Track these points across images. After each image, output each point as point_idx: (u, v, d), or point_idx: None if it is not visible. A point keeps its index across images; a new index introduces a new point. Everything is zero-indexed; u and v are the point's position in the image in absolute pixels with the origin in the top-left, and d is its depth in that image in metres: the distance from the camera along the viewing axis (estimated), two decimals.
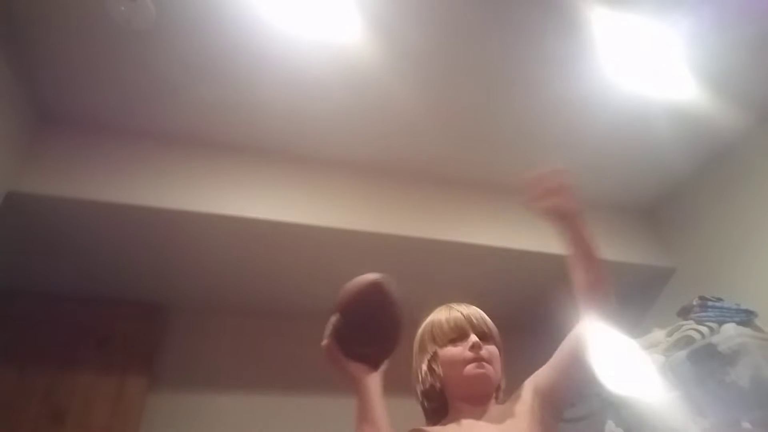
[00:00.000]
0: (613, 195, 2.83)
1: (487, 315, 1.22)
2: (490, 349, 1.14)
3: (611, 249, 2.71)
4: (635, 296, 2.85)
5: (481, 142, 2.46)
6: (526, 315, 2.72)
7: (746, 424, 1.80)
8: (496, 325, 1.21)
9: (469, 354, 1.11)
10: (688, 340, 2.11)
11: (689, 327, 2.13)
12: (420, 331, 1.24)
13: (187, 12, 1.82)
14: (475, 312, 1.20)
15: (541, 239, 2.60)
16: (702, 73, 2.15)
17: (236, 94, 2.13)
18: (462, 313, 1.18)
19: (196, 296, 2.67)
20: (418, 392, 1.19)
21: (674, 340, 2.17)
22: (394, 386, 1.08)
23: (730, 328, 2.01)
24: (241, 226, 2.22)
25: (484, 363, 1.11)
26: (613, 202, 2.87)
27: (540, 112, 2.31)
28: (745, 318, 2.12)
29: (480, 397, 1.12)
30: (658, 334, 2.28)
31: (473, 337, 1.13)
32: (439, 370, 1.14)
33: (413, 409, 1.19)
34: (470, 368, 1.11)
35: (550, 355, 1.13)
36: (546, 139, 2.44)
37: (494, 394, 1.15)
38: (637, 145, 2.51)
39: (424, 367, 1.17)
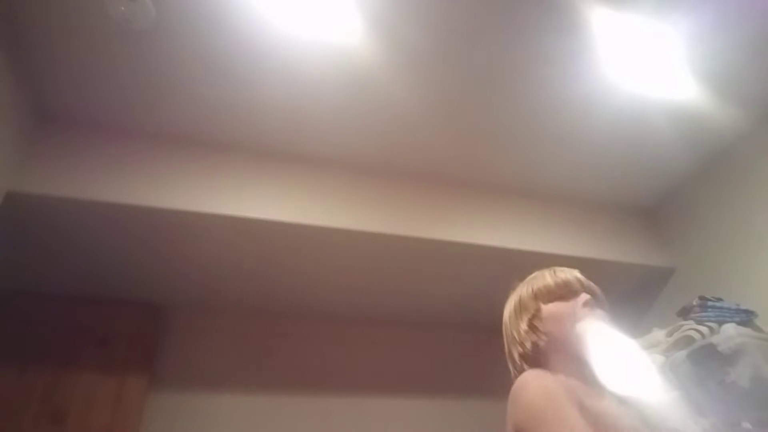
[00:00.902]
0: (613, 195, 2.83)
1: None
2: (602, 314, 1.03)
3: (611, 249, 2.71)
4: (635, 296, 2.85)
5: (481, 142, 2.46)
6: None
7: (746, 424, 1.80)
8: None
9: (583, 310, 1.01)
10: (688, 340, 2.10)
11: (689, 327, 2.12)
12: (514, 298, 1.12)
13: (187, 12, 1.82)
14: (583, 276, 1.10)
15: (541, 239, 2.60)
16: (702, 73, 2.15)
17: (236, 94, 2.13)
18: (571, 274, 1.09)
19: (195, 296, 2.67)
20: (516, 357, 1.06)
21: (674, 340, 2.16)
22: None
23: (730, 328, 2.01)
24: (241, 226, 2.22)
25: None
26: (613, 202, 2.87)
27: (540, 112, 2.31)
28: (745, 318, 2.11)
29: None
30: (658, 334, 2.28)
31: (585, 295, 1.04)
32: (543, 326, 1.03)
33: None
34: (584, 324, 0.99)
35: None
36: (546, 139, 2.45)
37: None
38: (637, 145, 2.51)
39: (524, 326, 1.05)
